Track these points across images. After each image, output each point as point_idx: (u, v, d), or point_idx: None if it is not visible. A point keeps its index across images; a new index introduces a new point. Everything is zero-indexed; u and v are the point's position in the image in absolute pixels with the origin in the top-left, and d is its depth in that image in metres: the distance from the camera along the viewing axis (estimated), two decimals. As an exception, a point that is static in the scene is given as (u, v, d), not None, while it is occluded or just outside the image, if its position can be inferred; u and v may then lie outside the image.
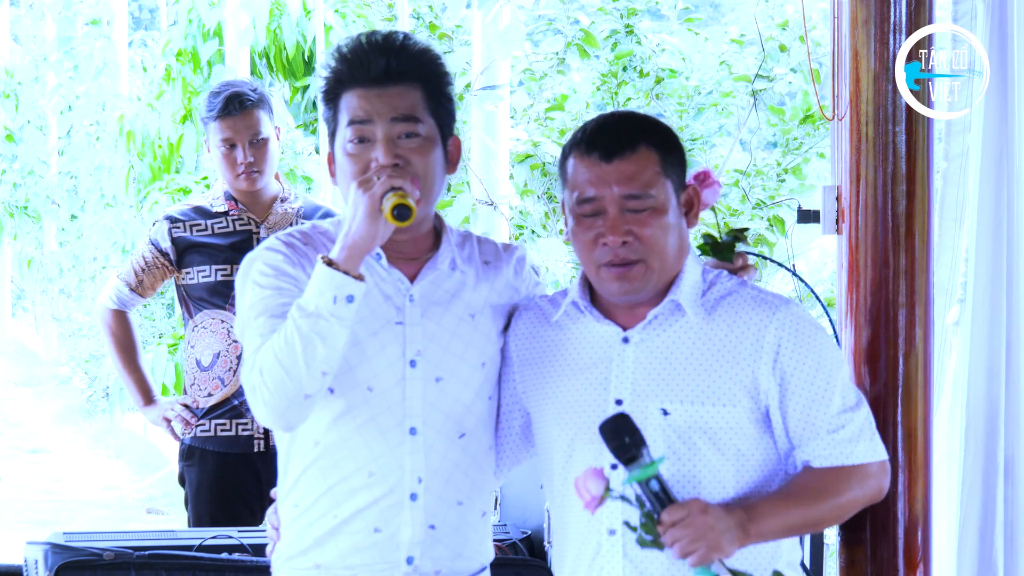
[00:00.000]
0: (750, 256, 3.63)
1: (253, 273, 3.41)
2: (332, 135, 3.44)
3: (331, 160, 3.45)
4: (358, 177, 3.33)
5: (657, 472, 3.15)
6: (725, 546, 3.16)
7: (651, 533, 3.15)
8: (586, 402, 3.32)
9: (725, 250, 3.60)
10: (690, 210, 3.37)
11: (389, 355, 3.37)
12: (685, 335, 3.32)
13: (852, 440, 3.32)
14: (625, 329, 3.35)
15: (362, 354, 3.35)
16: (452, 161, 3.46)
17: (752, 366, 3.30)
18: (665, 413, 3.28)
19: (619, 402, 3.29)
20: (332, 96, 3.43)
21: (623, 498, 3.16)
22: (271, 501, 3.55)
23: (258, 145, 5.61)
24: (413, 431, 3.37)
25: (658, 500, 3.15)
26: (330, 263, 3.24)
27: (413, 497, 3.37)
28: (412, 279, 3.43)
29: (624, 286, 3.30)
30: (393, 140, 3.36)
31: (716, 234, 3.63)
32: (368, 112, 3.37)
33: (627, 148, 3.29)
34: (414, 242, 3.44)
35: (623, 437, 3.15)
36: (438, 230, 3.50)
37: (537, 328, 3.44)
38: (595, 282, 3.35)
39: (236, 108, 5.56)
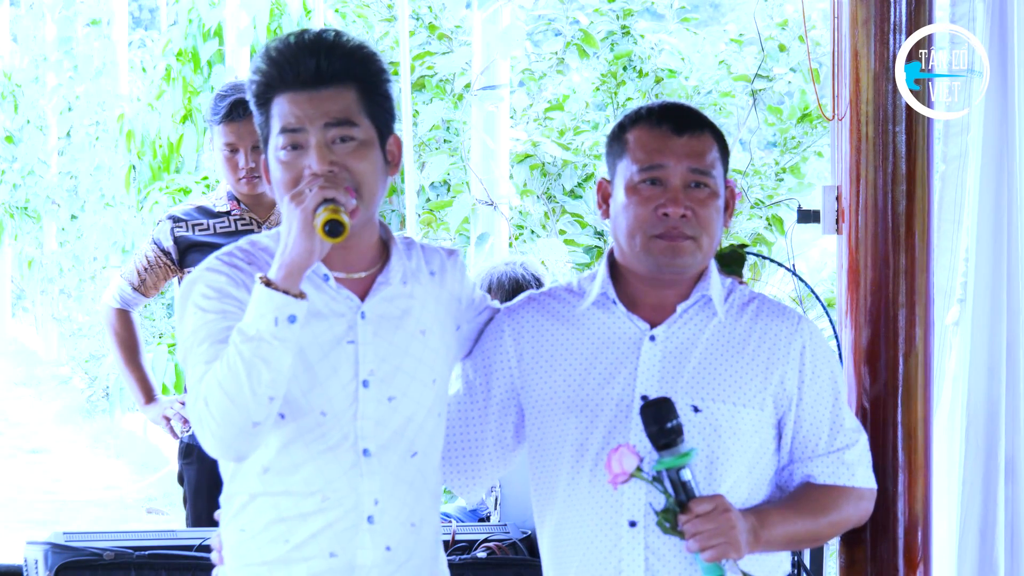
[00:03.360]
0: (750, 256, 3.65)
1: (195, 296, 3.23)
2: (266, 141, 3.28)
3: (266, 168, 3.30)
4: (291, 188, 3.18)
5: (689, 463, 3.15)
6: (742, 547, 3.17)
7: (670, 521, 3.16)
8: (608, 396, 3.30)
9: (734, 263, 3.62)
10: (726, 208, 3.37)
11: (342, 377, 3.23)
12: (716, 334, 3.33)
13: (855, 463, 3.36)
14: (652, 324, 3.34)
15: (314, 378, 3.20)
16: (393, 162, 3.29)
17: (781, 371, 3.32)
18: (696, 410, 3.28)
19: (645, 398, 3.27)
20: (263, 101, 3.25)
21: (655, 479, 3.16)
22: None
23: (260, 151, 5.59)
24: (367, 452, 3.23)
25: (684, 490, 3.15)
26: (269, 283, 3.08)
27: (370, 520, 3.24)
28: (362, 295, 3.27)
29: (675, 259, 3.29)
30: (327, 146, 3.20)
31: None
32: (300, 118, 3.20)
33: (696, 127, 3.34)
34: (360, 253, 3.29)
35: (665, 422, 3.15)
36: (384, 240, 3.34)
37: (545, 322, 3.40)
38: (640, 255, 3.31)
39: (240, 114, 5.55)
